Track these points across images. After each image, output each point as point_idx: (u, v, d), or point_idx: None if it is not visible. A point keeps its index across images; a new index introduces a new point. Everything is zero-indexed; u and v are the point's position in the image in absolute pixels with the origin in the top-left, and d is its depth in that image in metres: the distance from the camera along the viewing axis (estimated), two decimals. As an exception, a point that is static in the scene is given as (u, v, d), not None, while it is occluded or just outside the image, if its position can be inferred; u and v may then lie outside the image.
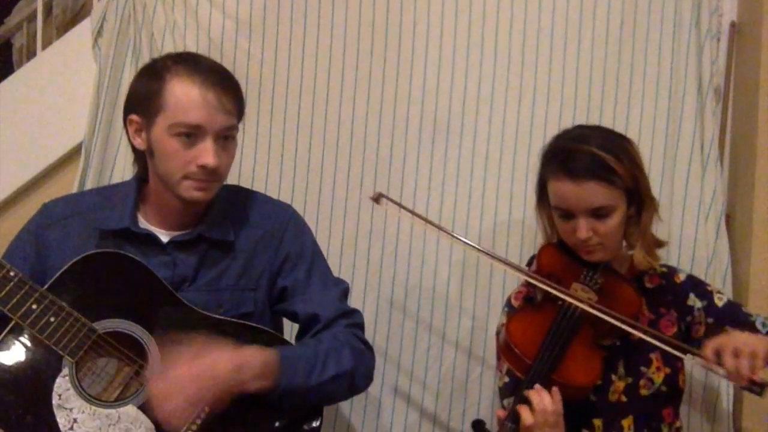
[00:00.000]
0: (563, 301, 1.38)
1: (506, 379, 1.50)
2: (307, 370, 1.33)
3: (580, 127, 1.52)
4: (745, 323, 1.45)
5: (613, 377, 1.43)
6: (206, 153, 1.32)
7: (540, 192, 1.48)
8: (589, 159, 1.36)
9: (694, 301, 1.48)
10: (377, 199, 1.48)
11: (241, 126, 1.85)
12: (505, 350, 1.40)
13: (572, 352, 1.36)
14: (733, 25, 1.86)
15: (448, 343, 1.88)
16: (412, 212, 1.49)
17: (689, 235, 1.80)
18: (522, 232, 1.86)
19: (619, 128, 1.82)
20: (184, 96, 1.31)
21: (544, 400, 1.28)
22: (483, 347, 1.86)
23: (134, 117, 1.37)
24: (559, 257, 1.47)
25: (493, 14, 1.87)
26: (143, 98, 1.35)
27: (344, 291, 1.51)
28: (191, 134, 1.32)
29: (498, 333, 1.55)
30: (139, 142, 1.37)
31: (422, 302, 1.89)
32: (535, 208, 1.52)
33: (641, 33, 1.84)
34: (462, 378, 1.87)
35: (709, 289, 1.50)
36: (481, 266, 1.87)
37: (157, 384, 1.23)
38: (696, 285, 1.50)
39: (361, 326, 1.49)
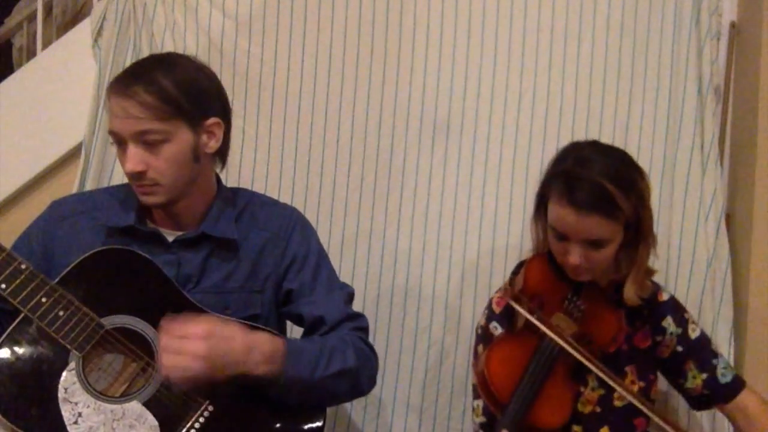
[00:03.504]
0: (544, 334, 1.36)
1: (483, 419, 1.49)
2: (312, 363, 1.33)
3: (593, 146, 1.44)
4: (708, 366, 1.48)
5: (582, 389, 1.44)
6: (125, 159, 1.34)
7: (539, 203, 1.45)
8: (594, 190, 1.31)
9: (669, 324, 1.48)
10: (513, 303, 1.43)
11: (241, 126, 1.87)
12: (481, 384, 1.38)
13: (547, 391, 1.35)
14: (733, 25, 1.86)
15: (448, 343, 1.88)
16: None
17: (689, 235, 1.80)
18: (522, 232, 1.85)
19: (619, 128, 1.83)
20: (111, 106, 1.34)
21: None
22: (483, 347, 1.86)
23: None
24: (546, 273, 1.45)
25: (493, 14, 1.87)
26: None
27: (350, 295, 1.52)
28: (118, 142, 1.35)
29: (476, 333, 1.55)
30: None
31: (422, 302, 1.89)
32: (530, 218, 1.49)
33: (641, 33, 1.84)
34: (462, 378, 1.87)
35: (686, 317, 1.51)
36: (481, 266, 1.87)
37: (170, 335, 1.21)
38: (675, 309, 1.51)
39: (365, 330, 1.49)
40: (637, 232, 1.38)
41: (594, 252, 1.36)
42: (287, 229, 1.49)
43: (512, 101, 1.87)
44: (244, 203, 1.49)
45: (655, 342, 1.49)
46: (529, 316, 1.35)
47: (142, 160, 1.33)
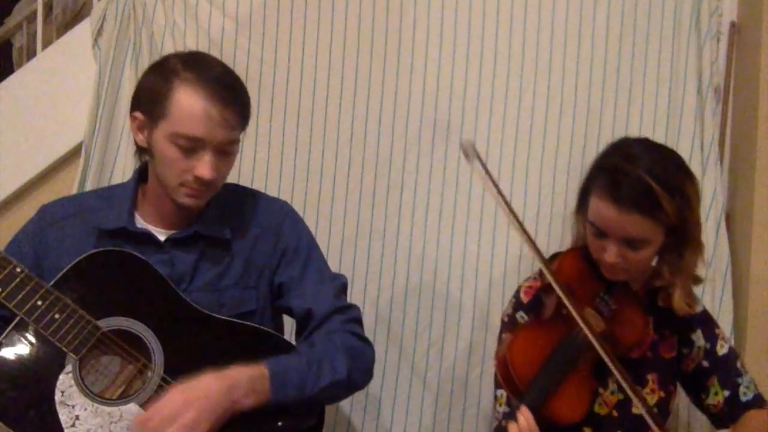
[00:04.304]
0: (571, 322, 1.31)
1: (506, 409, 1.46)
2: (300, 383, 1.32)
3: (644, 143, 1.39)
4: (732, 384, 1.45)
5: (601, 390, 1.42)
6: (203, 165, 1.32)
7: (581, 199, 1.41)
8: (638, 188, 1.27)
9: (698, 338, 1.46)
10: (467, 153, 1.30)
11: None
12: (502, 369, 1.36)
13: (567, 384, 1.32)
14: (733, 25, 1.86)
15: (448, 343, 1.88)
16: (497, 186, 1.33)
17: (689, 235, 1.80)
18: (522, 232, 1.86)
19: (619, 128, 1.83)
20: (188, 108, 1.30)
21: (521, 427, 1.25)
22: (483, 347, 1.86)
23: (138, 114, 1.37)
24: (582, 268, 1.41)
25: (493, 14, 1.87)
26: (149, 98, 1.35)
27: (341, 286, 1.51)
28: (190, 147, 1.32)
29: (503, 321, 1.53)
30: (141, 139, 1.38)
31: (422, 302, 1.89)
32: (573, 212, 1.46)
33: (641, 33, 1.84)
34: (462, 378, 1.87)
35: (717, 332, 1.48)
36: (481, 265, 1.87)
37: (153, 415, 1.22)
38: (706, 323, 1.48)
39: (357, 321, 1.48)
40: (681, 237, 1.34)
41: (631, 252, 1.32)
42: (278, 223, 1.49)
43: (512, 101, 1.87)
44: (235, 199, 1.49)
45: (681, 354, 1.46)
46: (565, 299, 1.30)
47: (218, 168, 1.35)
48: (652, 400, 1.42)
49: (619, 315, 1.39)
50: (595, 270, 1.41)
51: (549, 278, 1.32)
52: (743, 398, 1.45)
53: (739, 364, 1.48)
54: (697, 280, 1.45)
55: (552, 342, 1.35)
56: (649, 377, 1.43)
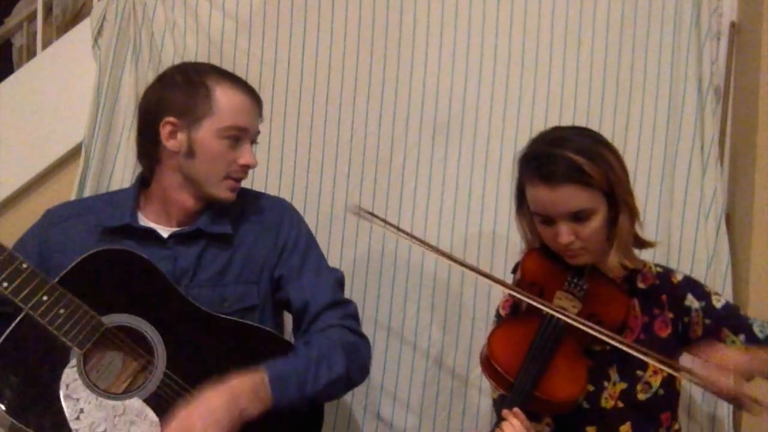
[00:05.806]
0: (546, 312, 1.35)
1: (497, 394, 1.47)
2: (300, 385, 1.34)
3: (557, 129, 1.50)
4: (743, 327, 1.44)
5: (606, 383, 1.42)
6: (247, 154, 1.45)
7: (519, 198, 1.46)
8: (563, 163, 1.34)
9: (692, 302, 1.46)
10: (358, 213, 1.54)
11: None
12: (486, 366, 1.38)
13: (555, 365, 1.34)
14: (733, 25, 1.86)
15: (447, 343, 1.88)
16: (395, 227, 1.46)
17: (689, 235, 1.80)
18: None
19: (619, 128, 1.83)
20: (234, 103, 1.42)
21: (515, 429, 1.27)
22: (483, 347, 1.86)
23: (171, 119, 1.41)
24: (543, 263, 1.45)
25: (493, 14, 1.88)
26: (184, 103, 1.41)
27: (338, 280, 1.54)
28: (238, 137, 1.43)
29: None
30: (174, 144, 1.42)
31: (422, 302, 1.89)
32: (515, 215, 1.50)
33: (641, 33, 1.84)
34: (462, 378, 1.87)
35: (707, 290, 1.49)
36: (482, 266, 1.87)
37: None
38: (694, 286, 1.49)
39: (353, 316, 1.51)
40: (614, 203, 1.39)
41: (581, 227, 1.36)
42: (278, 220, 1.53)
43: (512, 101, 1.87)
44: (237, 198, 1.51)
45: (685, 324, 1.46)
46: (526, 300, 1.35)
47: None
48: (656, 381, 1.42)
49: (594, 293, 1.41)
50: (559, 262, 1.44)
51: (509, 291, 1.38)
52: (761, 335, 1.43)
53: (742, 313, 1.48)
54: (644, 244, 1.47)
55: (531, 330, 1.38)
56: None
